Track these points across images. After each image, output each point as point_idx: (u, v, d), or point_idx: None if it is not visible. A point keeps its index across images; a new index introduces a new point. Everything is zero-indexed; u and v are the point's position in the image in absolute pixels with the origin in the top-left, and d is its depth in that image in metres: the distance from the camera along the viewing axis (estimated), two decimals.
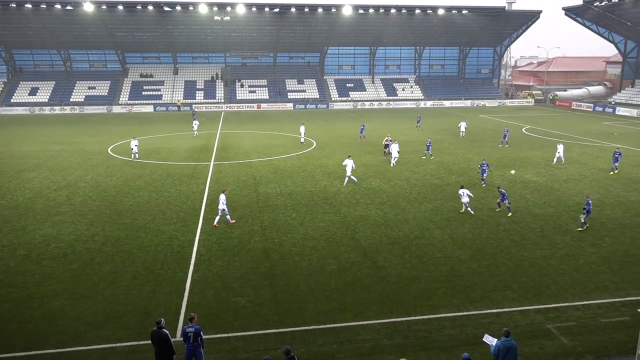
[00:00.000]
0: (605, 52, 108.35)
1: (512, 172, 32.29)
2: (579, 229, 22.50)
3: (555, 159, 36.72)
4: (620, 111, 75.75)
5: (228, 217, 22.67)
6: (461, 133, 49.15)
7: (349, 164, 29.83)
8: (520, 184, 30.84)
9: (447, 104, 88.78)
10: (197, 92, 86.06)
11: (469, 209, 23.51)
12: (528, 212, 24.93)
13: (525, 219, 24.10)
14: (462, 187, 24.58)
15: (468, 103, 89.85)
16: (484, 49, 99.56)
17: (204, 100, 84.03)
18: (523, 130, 56.16)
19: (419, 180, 31.44)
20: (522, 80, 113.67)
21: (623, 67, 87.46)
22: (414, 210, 25.37)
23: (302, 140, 44.92)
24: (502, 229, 22.57)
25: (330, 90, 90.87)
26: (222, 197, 22.30)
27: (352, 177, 29.87)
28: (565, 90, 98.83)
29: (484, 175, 29.57)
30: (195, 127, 51.07)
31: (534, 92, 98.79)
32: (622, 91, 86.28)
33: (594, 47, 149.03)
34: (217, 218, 22.43)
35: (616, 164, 34.31)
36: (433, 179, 31.89)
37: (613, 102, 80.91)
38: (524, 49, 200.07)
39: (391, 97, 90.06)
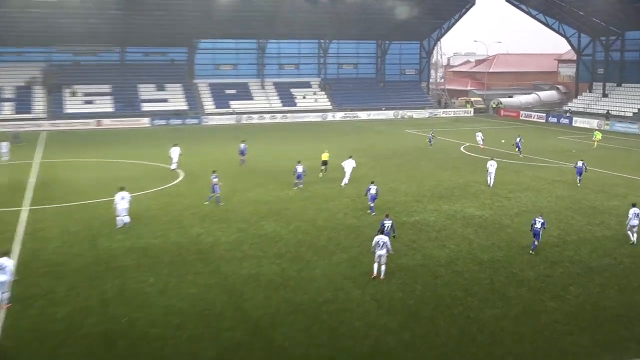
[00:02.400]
0: (556, 48, 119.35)
1: (503, 140, 34.14)
2: (531, 252, 26.19)
3: (490, 181, 39.87)
4: (578, 122, 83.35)
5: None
6: (480, 144, 58.57)
7: (348, 165, 39.14)
8: (460, 220, 32.30)
9: (362, 115, 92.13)
10: (1, 103, 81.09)
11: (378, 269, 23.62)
12: (473, 258, 26.04)
13: (469, 267, 25.11)
14: (379, 234, 24.53)
15: (390, 114, 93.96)
16: (408, 44, 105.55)
17: (15, 116, 79.32)
18: (462, 149, 59.62)
19: (329, 221, 31.83)
20: (458, 83, 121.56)
21: (578, 66, 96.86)
22: (323, 263, 25.44)
23: (173, 166, 45.42)
24: (440, 283, 23.27)
25: (204, 99, 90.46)
26: None
27: (347, 179, 39.09)
28: (511, 97, 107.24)
29: None
30: (5, 150, 49.45)
31: (472, 99, 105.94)
32: (579, 97, 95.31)
33: (543, 42, 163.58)
34: None
35: (579, 177, 40.75)
36: (348, 218, 32.42)
37: (569, 112, 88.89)
38: (458, 44, 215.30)
39: (288, 108, 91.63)
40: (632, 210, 28.21)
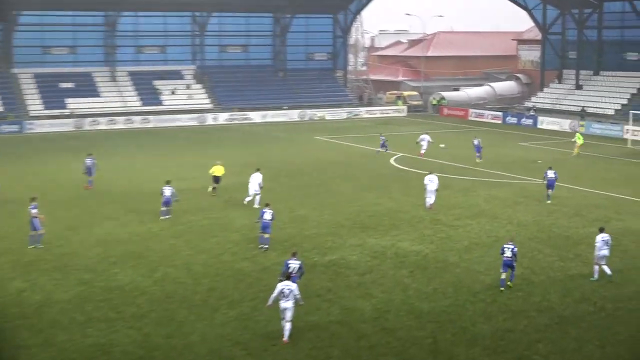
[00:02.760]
0: (515, 25, 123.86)
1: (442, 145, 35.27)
2: (502, 288, 28.53)
3: (429, 201, 42.32)
4: (545, 123, 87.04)
5: None
6: (422, 149, 62.93)
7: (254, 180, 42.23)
8: (392, 258, 32.91)
9: (255, 117, 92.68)
10: None
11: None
12: (409, 310, 26.52)
13: (404, 322, 25.51)
14: (281, 280, 24.58)
15: (294, 115, 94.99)
16: (317, 18, 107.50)
17: None
18: (391, 161, 60.97)
19: (211, 265, 31.71)
20: (386, 72, 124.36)
21: (543, 49, 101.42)
22: (202, 324, 25.27)
23: None
24: (365, 345, 23.49)
25: (27, 97, 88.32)
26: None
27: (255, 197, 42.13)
28: (457, 90, 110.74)
29: None
30: None
31: (406, 94, 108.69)
32: (545, 89, 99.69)
33: (498, 16, 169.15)
34: None
35: (551, 190, 44.65)
36: (237, 261, 32.40)
37: (533, 109, 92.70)
38: (385, 19, 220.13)
39: (151, 107, 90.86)
40: (601, 237, 29.94)
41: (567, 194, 47.00)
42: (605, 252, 29.78)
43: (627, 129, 75.69)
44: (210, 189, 45.83)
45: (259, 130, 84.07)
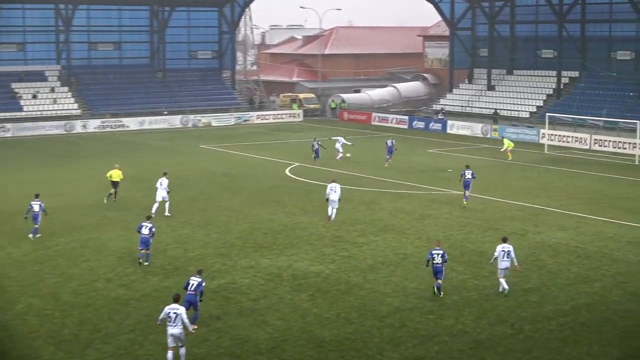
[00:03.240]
0: (421, 19, 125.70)
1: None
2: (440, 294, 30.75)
3: (331, 213, 43.29)
4: (455, 128, 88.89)
5: None
6: (339, 154, 66.36)
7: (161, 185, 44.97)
8: (289, 281, 32.95)
9: (132, 123, 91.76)
10: None
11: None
12: (309, 339, 26.41)
13: (303, 352, 25.51)
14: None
15: (176, 121, 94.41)
16: (200, 11, 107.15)
17: None
18: (287, 171, 61.21)
19: (82, 294, 31.27)
20: (279, 72, 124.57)
21: (452, 46, 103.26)
22: None
23: None
24: None
25: None
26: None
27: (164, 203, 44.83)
28: (358, 91, 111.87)
29: None
30: None
31: (301, 97, 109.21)
32: (455, 90, 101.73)
33: (402, 9, 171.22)
34: None
35: (467, 191, 47.72)
36: (112, 288, 31.98)
37: (442, 112, 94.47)
38: (277, 13, 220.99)
39: (8, 114, 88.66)
40: (501, 248, 31.30)
41: (480, 206, 48.03)
42: (506, 263, 31.08)
43: (544, 133, 77.75)
44: (106, 197, 47.98)
45: (136, 138, 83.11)
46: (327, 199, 43.26)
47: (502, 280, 31.17)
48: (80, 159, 67.21)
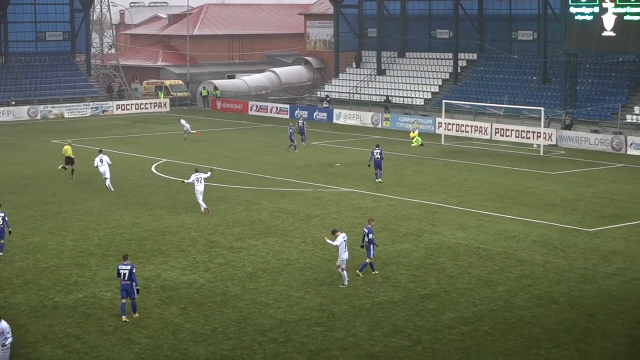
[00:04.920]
0: None
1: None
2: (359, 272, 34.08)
3: (201, 205, 45.32)
4: (342, 117, 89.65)
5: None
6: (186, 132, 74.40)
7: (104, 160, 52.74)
8: (157, 292, 32.68)
9: None
10: None
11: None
12: (182, 358, 26.54)
13: None
14: None
15: (23, 112, 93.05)
16: None
17: None
18: (152, 169, 60.82)
19: None
20: (142, 56, 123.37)
21: (337, 26, 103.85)
22: None
23: None
24: None
25: None
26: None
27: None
28: (233, 77, 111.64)
29: None
30: None
31: (168, 84, 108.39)
32: (341, 75, 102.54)
33: None
34: None
35: (379, 170, 54.03)
36: None
37: (327, 100, 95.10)
38: None
39: None
40: (342, 237, 33.35)
41: (372, 204, 48.57)
42: (345, 255, 32.99)
43: (440, 123, 79.02)
44: (61, 167, 57.24)
45: None
46: (196, 191, 45.45)
47: (345, 273, 33.11)
48: None
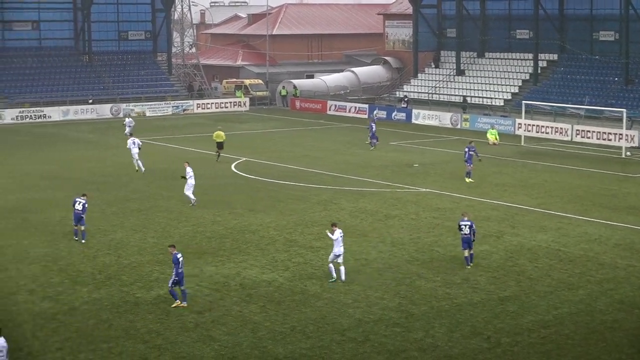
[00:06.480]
0: None
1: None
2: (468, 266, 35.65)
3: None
4: (420, 117, 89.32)
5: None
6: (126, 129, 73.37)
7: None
8: (237, 291, 32.88)
9: (54, 113, 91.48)
10: None
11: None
12: (261, 356, 26.51)
13: None
14: None
15: (106, 111, 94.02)
16: None
17: None
18: (232, 167, 61.28)
19: None
20: (222, 55, 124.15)
21: (416, 26, 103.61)
22: None
23: None
24: None
25: None
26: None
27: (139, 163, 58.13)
28: (312, 77, 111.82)
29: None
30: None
31: (247, 83, 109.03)
32: (420, 75, 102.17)
33: None
34: None
35: (470, 165, 55.58)
36: (36, 301, 31.70)
37: (405, 100, 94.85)
38: None
39: None
40: (339, 233, 33.85)
41: (451, 205, 48.26)
42: (342, 249, 33.51)
43: (520, 124, 78.29)
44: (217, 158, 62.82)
45: (59, 131, 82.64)
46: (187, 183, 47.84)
47: (333, 267, 33.70)
48: None
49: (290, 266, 36.31)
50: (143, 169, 58.11)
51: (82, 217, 39.65)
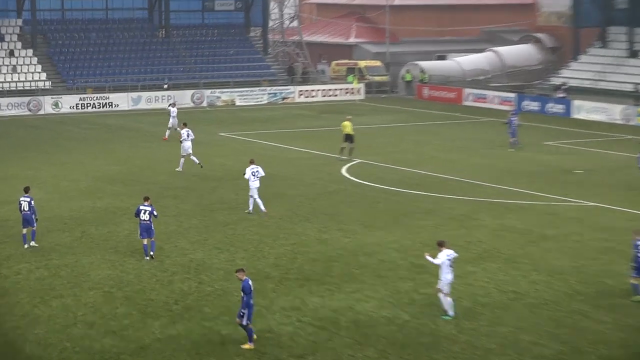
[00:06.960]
0: None
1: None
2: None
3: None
4: (582, 111, 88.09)
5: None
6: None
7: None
8: (348, 330, 32.57)
9: (122, 101, 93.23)
10: None
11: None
12: None
13: None
14: None
15: (186, 98, 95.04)
16: None
17: None
18: (343, 171, 61.13)
19: (53, 344, 31.06)
20: (330, 31, 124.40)
21: None
22: None
23: None
24: None
25: None
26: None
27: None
28: (444, 58, 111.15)
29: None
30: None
31: (363, 65, 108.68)
32: (582, 57, 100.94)
33: None
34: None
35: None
36: (96, 337, 31.79)
37: (562, 88, 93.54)
38: None
39: None
40: (446, 255, 33.86)
41: (624, 223, 46.83)
42: (452, 276, 33.47)
43: None
44: (340, 152, 64.94)
45: (128, 122, 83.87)
46: (250, 188, 48.51)
47: (448, 299, 33.18)
48: (50, 152, 67.50)
49: (417, 299, 35.75)
50: (197, 161, 60.56)
51: (152, 229, 40.41)
